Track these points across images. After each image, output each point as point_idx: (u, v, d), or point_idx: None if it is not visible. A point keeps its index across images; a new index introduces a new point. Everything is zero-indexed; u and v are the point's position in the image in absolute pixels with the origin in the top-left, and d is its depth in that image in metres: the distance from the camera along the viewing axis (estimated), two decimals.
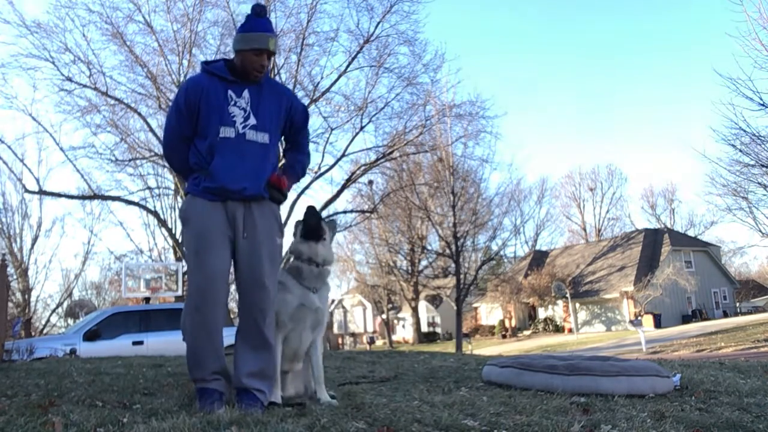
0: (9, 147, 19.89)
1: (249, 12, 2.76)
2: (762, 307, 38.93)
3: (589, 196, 49.25)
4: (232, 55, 2.78)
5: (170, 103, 2.84)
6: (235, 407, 2.45)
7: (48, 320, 32.06)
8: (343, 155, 21.09)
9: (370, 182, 26.02)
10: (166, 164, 3.20)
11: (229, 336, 2.64)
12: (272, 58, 2.74)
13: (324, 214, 21.47)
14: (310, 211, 2.90)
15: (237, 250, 2.65)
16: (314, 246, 2.86)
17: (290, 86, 19.40)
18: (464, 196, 27.98)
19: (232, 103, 2.66)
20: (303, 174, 3.02)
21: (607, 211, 49.15)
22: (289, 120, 2.86)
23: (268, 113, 2.73)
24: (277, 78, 19.01)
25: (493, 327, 37.74)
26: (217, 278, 2.61)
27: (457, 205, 27.27)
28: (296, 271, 2.85)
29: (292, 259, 2.90)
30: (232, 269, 2.74)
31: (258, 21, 2.71)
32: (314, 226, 2.88)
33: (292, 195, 21.08)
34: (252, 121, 2.68)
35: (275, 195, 2.76)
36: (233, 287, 3.02)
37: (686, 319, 32.02)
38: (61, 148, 19.52)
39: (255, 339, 2.65)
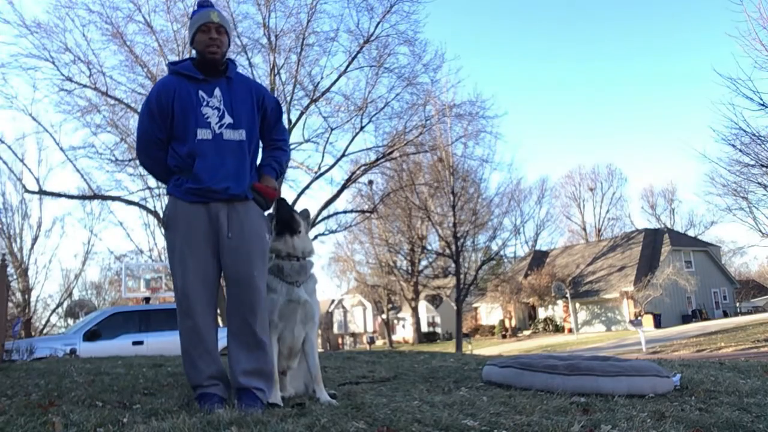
0: (9, 147, 19.97)
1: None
2: (762, 307, 38.91)
3: (589, 196, 49.24)
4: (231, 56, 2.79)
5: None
6: (235, 407, 2.44)
7: (48, 320, 32.08)
8: (343, 155, 21.13)
9: (370, 182, 26.09)
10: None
11: (224, 339, 2.64)
12: (225, 33, 2.71)
13: (324, 214, 21.49)
14: (282, 204, 2.82)
15: (222, 250, 2.62)
16: (290, 240, 2.82)
17: (290, 86, 19.42)
18: (464, 196, 27.97)
19: (205, 103, 2.65)
20: (281, 170, 2.90)
21: (607, 211, 49.15)
22: (261, 114, 2.83)
23: (241, 109, 2.71)
24: (277, 78, 19.02)
25: (493, 327, 37.73)
26: (204, 283, 2.60)
27: (457, 205, 27.25)
28: (277, 269, 2.81)
29: (273, 258, 2.85)
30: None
31: (199, 8, 2.78)
32: (287, 220, 2.81)
33: (291, 195, 21.12)
34: (227, 119, 2.66)
35: (259, 201, 2.72)
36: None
37: (686, 319, 32.00)
38: (61, 148, 19.53)
39: (248, 339, 2.62)
